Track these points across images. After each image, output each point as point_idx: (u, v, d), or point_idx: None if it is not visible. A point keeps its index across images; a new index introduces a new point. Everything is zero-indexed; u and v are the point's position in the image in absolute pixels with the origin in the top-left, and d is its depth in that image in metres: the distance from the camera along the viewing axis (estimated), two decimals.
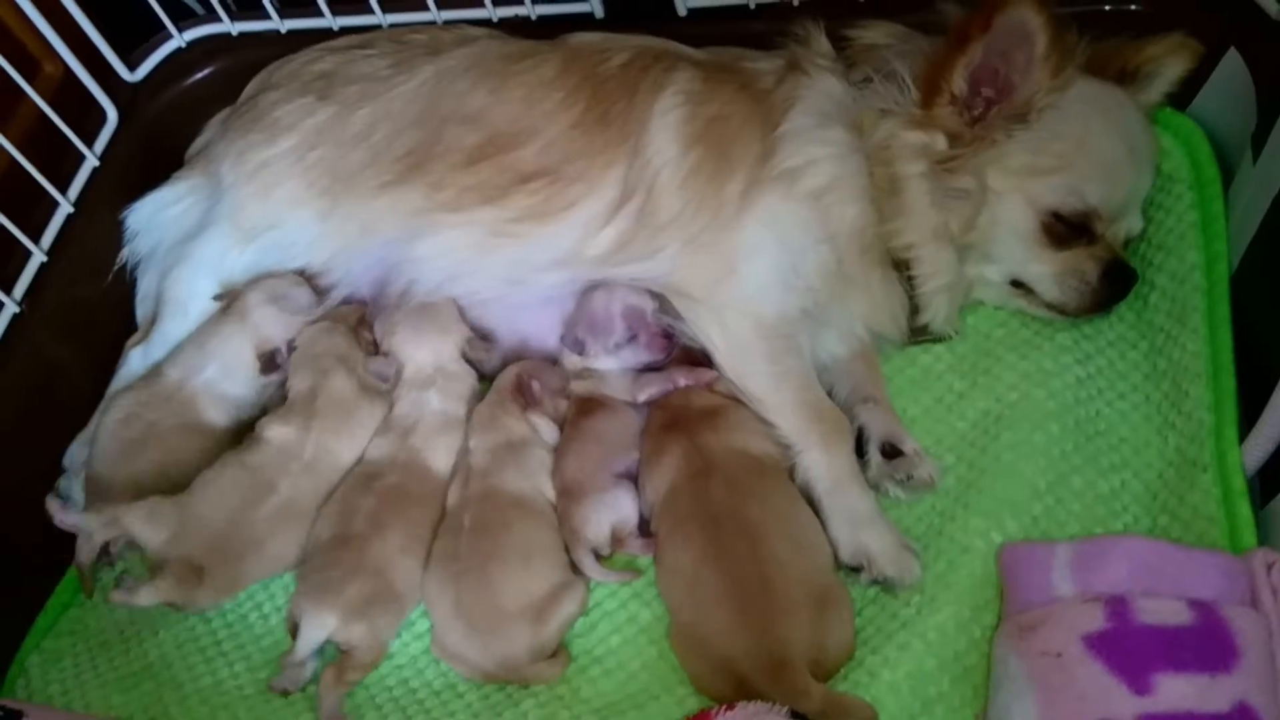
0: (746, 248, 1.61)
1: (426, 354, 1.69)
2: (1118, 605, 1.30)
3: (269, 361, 1.71)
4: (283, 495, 1.57)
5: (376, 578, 1.50)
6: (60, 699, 1.56)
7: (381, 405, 1.68)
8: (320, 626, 1.47)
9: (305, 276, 1.78)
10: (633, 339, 1.65)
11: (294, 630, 1.49)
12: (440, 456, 1.63)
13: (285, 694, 1.50)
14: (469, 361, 1.71)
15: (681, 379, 1.63)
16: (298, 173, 1.74)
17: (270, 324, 1.71)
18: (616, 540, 1.54)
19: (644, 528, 1.56)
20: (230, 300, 1.74)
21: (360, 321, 1.76)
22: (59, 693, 1.57)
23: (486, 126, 1.69)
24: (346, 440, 1.64)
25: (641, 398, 1.65)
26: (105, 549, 1.61)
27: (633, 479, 1.59)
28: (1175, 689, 1.22)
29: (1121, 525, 1.50)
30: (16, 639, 1.64)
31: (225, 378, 1.71)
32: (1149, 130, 1.67)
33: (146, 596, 1.48)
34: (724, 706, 1.30)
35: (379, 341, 1.74)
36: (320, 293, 1.77)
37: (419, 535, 1.56)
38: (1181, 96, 1.71)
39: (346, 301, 1.78)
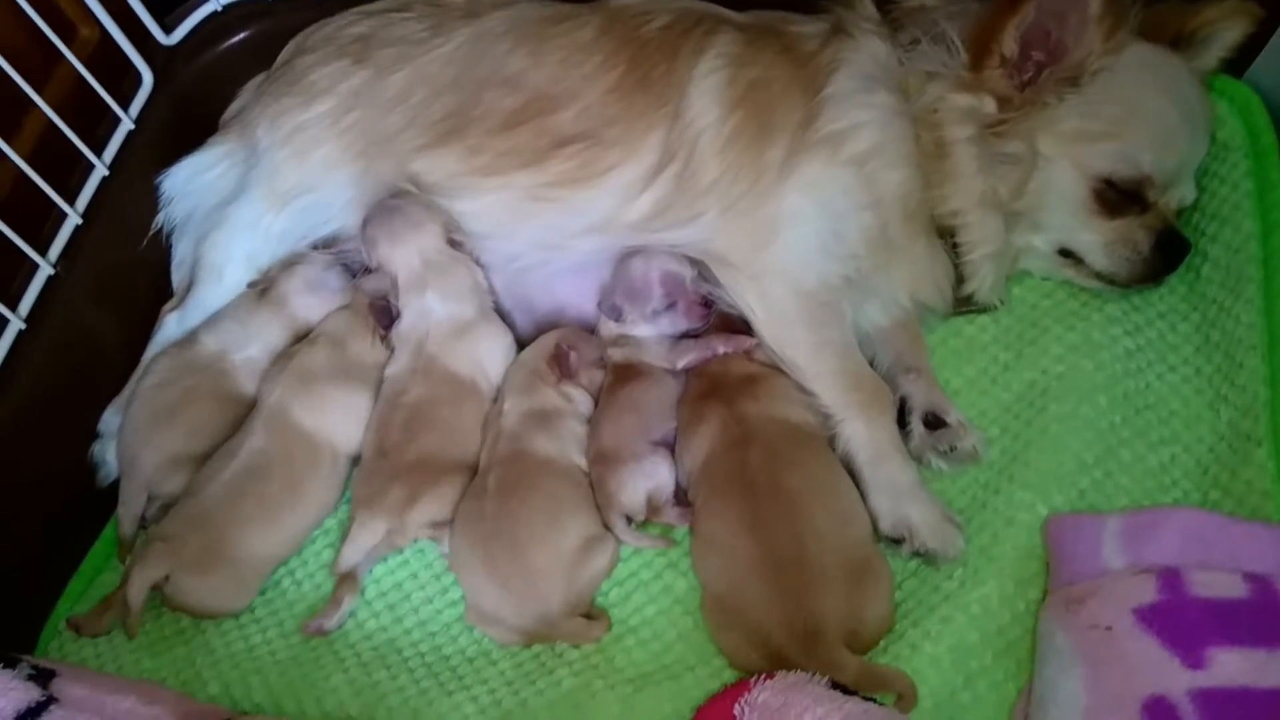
0: (788, 214, 1.58)
1: (410, 253, 1.66)
2: (1170, 577, 1.28)
3: None
4: (245, 450, 1.57)
5: (417, 470, 1.53)
6: (93, 661, 1.56)
7: (356, 391, 1.65)
8: (371, 532, 1.52)
9: (339, 241, 1.77)
10: (671, 306, 1.63)
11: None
12: (460, 361, 1.63)
13: (321, 634, 1.53)
14: (456, 247, 1.68)
15: (720, 346, 1.61)
16: (333, 136, 1.73)
17: (309, 311, 1.72)
18: (653, 509, 1.52)
19: (681, 497, 1.55)
20: (265, 286, 1.74)
21: (372, 305, 1.72)
22: (91, 655, 1.57)
23: (524, 90, 1.67)
24: (303, 406, 1.62)
25: (680, 365, 1.63)
26: (143, 515, 1.63)
27: (670, 447, 1.57)
28: (1230, 663, 1.20)
29: (1171, 500, 1.48)
30: (50, 601, 1.64)
31: (266, 357, 1.71)
32: (1204, 96, 1.62)
33: (135, 589, 1.49)
34: (763, 676, 1.28)
35: (367, 262, 1.72)
36: (349, 264, 1.77)
37: (457, 427, 1.60)
38: (1238, 62, 1.67)
39: None
